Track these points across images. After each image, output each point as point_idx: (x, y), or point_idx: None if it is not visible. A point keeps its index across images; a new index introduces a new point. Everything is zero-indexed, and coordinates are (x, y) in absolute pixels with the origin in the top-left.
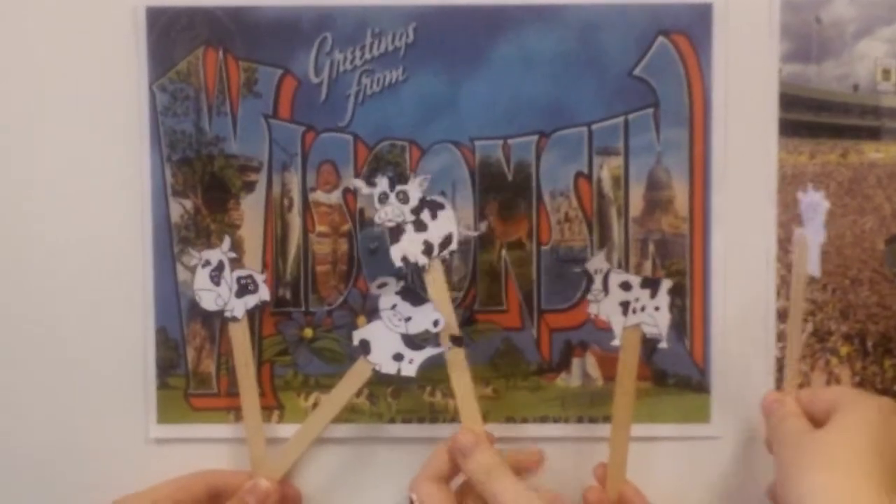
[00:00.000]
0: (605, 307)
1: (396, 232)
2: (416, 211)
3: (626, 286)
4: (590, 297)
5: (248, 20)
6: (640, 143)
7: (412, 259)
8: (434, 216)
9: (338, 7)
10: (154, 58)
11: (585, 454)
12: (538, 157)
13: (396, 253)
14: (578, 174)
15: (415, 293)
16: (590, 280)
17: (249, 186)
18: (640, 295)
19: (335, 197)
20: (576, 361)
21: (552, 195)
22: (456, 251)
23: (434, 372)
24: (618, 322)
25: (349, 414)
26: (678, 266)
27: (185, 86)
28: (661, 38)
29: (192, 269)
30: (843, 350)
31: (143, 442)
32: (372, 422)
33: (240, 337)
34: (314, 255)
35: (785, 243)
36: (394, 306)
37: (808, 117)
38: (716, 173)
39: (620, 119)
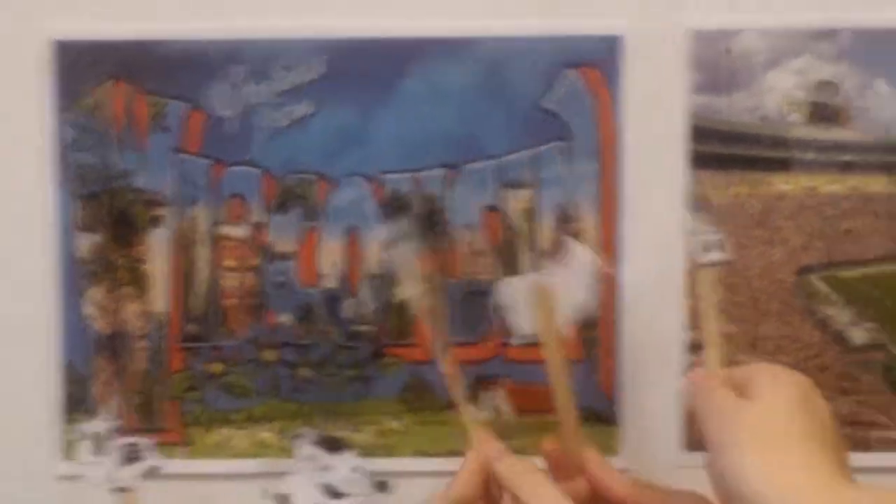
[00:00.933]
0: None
1: None
2: None
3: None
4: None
5: (156, 54)
6: (550, 175)
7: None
8: None
9: (247, 40)
10: (62, 91)
11: None
12: (447, 191)
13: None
14: (487, 207)
15: (332, 440)
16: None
17: (156, 221)
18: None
19: (243, 231)
20: (485, 395)
21: (461, 228)
22: None
23: (341, 407)
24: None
25: (258, 449)
26: None
27: (93, 120)
28: (570, 71)
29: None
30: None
31: (50, 479)
32: (282, 457)
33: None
34: (222, 289)
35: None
36: (311, 457)
37: (719, 149)
38: (626, 206)
39: (529, 152)
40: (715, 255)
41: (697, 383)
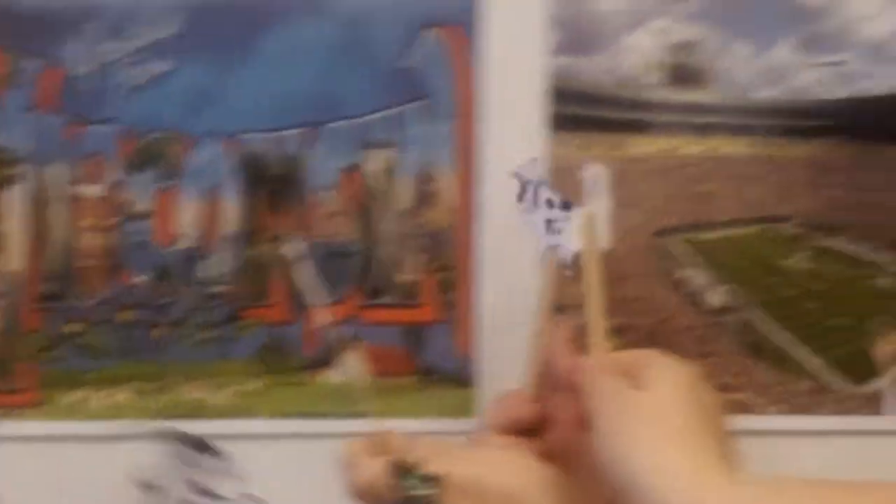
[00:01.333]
0: (533, 218)
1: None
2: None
3: (550, 203)
4: (521, 206)
5: (10, 10)
6: (409, 135)
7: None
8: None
9: None
10: None
11: None
12: (306, 151)
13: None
14: (347, 167)
15: (198, 440)
16: (523, 187)
17: (12, 179)
18: (560, 216)
19: (100, 189)
20: (343, 356)
21: (320, 189)
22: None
23: (199, 367)
24: (542, 238)
25: (115, 410)
26: (446, 261)
27: None
28: (429, 30)
29: None
30: (610, 345)
31: None
32: (139, 418)
33: None
34: (79, 248)
35: None
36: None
37: (578, 111)
38: (485, 167)
39: (390, 112)
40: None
41: (584, 366)
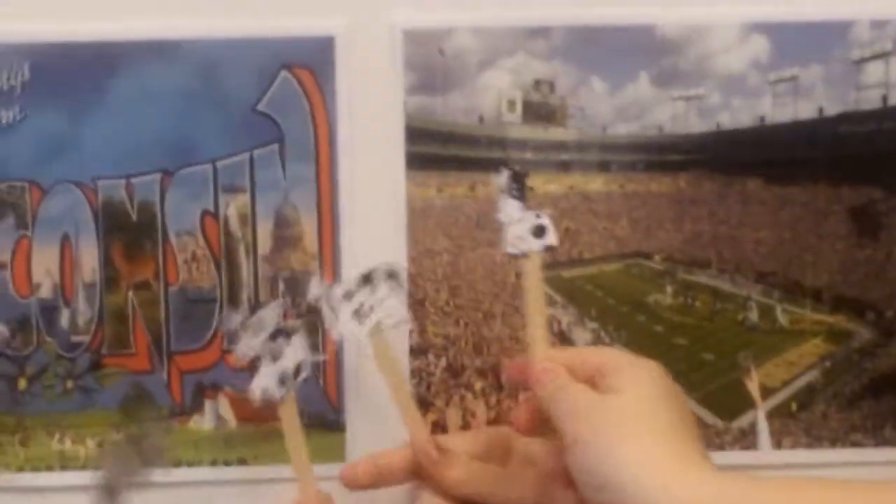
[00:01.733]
0: (342, 327)
1: (254, 366)
2: (273, 337)
3: (348, 295)
4: (327, 325)
5: None
6: (267, 179)
7: (269, 392)
8: (288, 343)
9: None
10: None
11: (219, 499)
12: (163, 196)
13: (257, 386)
14: (205, 212)
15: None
16: (319, 311)
17: None
18: (363, 296)
19: None
20: (209, 404)
21: (178, 234)
22: (309, 378)
23: (63, 418)
24: (363, 334)
25: None
26: (309, 304)
27: None
28: (283, 73)
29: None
30: (478, 385)
31: None
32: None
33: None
34: None
35: (416, 278)
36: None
37: (436, 150)
38: (344, 209)
39: (245, 155)
40: (543, 241)
41: (544, 380)
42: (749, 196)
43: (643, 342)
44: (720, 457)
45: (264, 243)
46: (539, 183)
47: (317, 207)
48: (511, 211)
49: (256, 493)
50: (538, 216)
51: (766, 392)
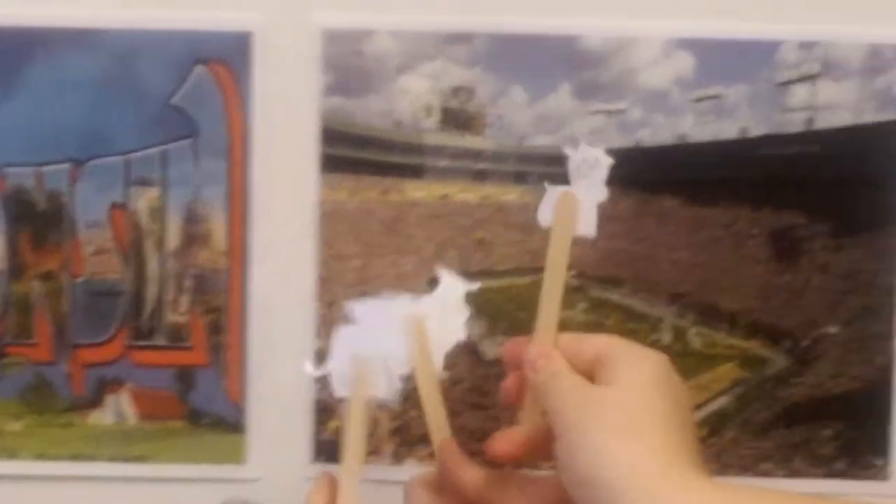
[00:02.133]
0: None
1: None
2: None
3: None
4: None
5: None
6: (178, 174)
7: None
8: None
9: None
10: None
11: (119, 497)
12: (72, 187)
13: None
14: (114, 205)
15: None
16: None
17: None
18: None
19: None
20: (110, 398)
21: (87, 226)
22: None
23: None
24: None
25: None
26: (216, 302)
27: None
28: (199, 67)
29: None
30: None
31: None
32: None
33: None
34: None
35: (325, 282)
36: None
37: (350, 153)
38: (255, 207)
39: (158, 149)
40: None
41: (537, 366)
42: (667, 215)
43: None
44: None
45: (173, 239)
46: (454, 191)
47: (227, 205)
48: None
49: (155, 492)
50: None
51: None
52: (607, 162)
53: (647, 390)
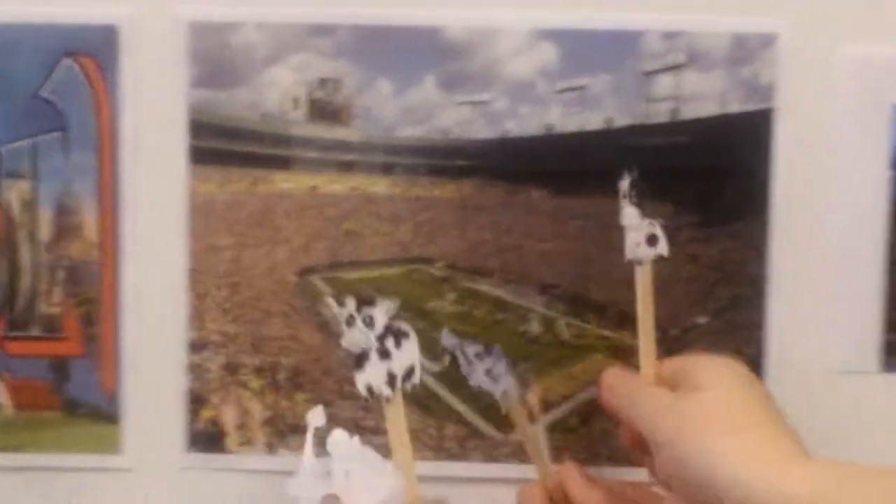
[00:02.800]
0: (475, 379)
1: (361, 359)
2: (381, 337)
3: (479, 356)
4: (464, 371)
5: None
6: (49, 167)
7: (376, 390)
8: (398, 345)
9: None
10: None
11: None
12: None
13: (361, 381)
14: None
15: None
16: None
17: None
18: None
19: None
20: None
21: None
22: (418, 385)
23: None
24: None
25: None
26: (89, 294)
27: None
28: (67, 60)
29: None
30: (255, 383)
31: None
32: None
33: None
34: None
35: (197, 273)
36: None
37: (219, 145)
38: (125, 200)
39: (27, 142)
40: (655, 250)
41: (618, 383)
42: (534, 206)
43: (423, 349)
44: (496, 469)
45: (45, 231)
46: (322, 182)
47: (98, 197)
48: (631, 217)
49: (31, 481)
50: (651, 224)
51: (547, 406)
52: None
53: (736, 390)
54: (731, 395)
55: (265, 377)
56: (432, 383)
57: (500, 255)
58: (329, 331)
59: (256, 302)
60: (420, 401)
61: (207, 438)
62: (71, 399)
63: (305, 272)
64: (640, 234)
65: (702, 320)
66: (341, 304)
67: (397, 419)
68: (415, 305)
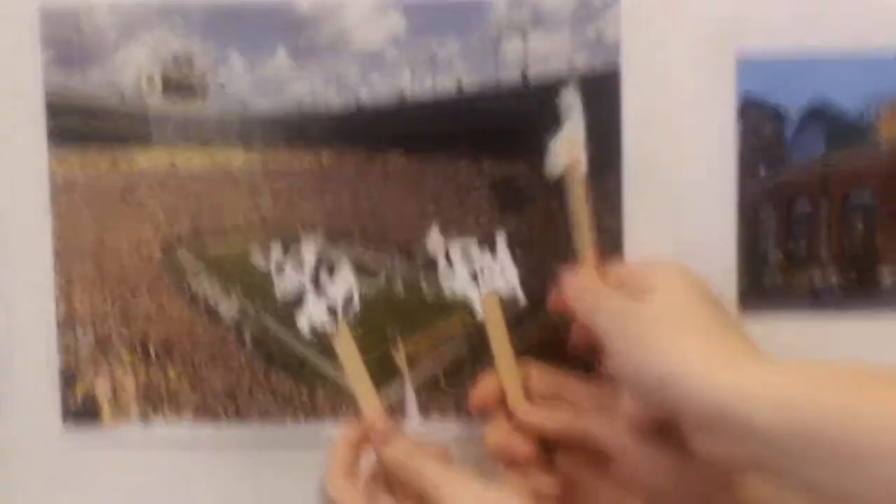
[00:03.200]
0: (458, 285)
1: (298, 301)
2: (314, 274)
3: (466, 255)
4: (441, 279)
5: None
6: None
7: (320, 328)
8: (332, 276)
9: None
10: None
11: None
12: None
13: (303, 324)
14: None
15: None
16: (433, 263)
17: None
18: (483, 259)
19: None
20: None
21: None
22: (358, 311)
23: None
24: (474, 295)
25: None
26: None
27: None
28: None
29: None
30: (127, 358)
31: None
32: None
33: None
34: None
35: (63, 253)
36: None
37: (77, 125)
38: None
39: None
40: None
41: (580, 287)
42: (390, 171)
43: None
44: None
45: None
46: (181, 159)
47: None
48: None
49: None
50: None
51: (414, 363)
52: (578, 98)
53: (689, 295)
54: (681, 299)
55: (137, 352)
56: (302, 349)
57: (358, 219)
58: (197, 304)
59: (123, 279)
60: (290, 366)
61: (82, 413)
62: None
63: (170, 247)
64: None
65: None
66: (265, 255)
67: (348, 350)
68: None
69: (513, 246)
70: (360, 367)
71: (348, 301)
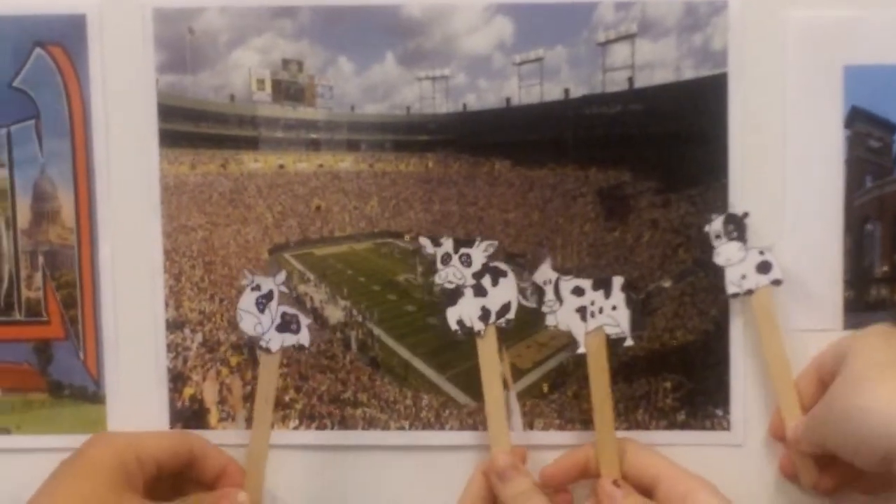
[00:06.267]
0: (562, 316)
1: (454, 294)
2: (478, 275)
3: (578, 291)
4: (545, 308)
5: None
6: (24, 154)
7: (468, 323)
8: (495, 283)
9: None
10: None
11: None
12: None
13: (452, 315)
14: None
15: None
16: (541, 291)
17: None
18: (595, 297)
19: None
20: None
21: None
22: (512, 321)
23: None
24: (578, 328)
25: None
26: (68, 277)
27: None
28: (38, 50)
29: (241, 289)
30: (234, 360)
31: None
32: None
33: (268, 370)
34: None
35: (172, 254)
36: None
37: (188, 127)
38: (100, 184)
39: (2, 131)
40: (769, 276)
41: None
42: (497, 177)
43: (395, 321)
44: (471, 437)
45: (23, 217)
46: (290, 161)
47: (73, 183)
48: (730, 254)
49: (20, 462)
50: (762, 253)
51: (518, 373)
52: (745, 216)
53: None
54: (872, 353)
55: (243, 353)
56: (407, 355)
57: (465, 226)
58: (303, 306)
59: (231, 280)
60: (394, 372)
61: (189, 415)
62: (56, 381)
63: (277, 249)
64: (748, 265)
65: (665, 284)
66: (437, 244)
67: (489, 354)
68: (385, 278)
69: (616, 255)
70: (497, 374)
71: (505, 308)
